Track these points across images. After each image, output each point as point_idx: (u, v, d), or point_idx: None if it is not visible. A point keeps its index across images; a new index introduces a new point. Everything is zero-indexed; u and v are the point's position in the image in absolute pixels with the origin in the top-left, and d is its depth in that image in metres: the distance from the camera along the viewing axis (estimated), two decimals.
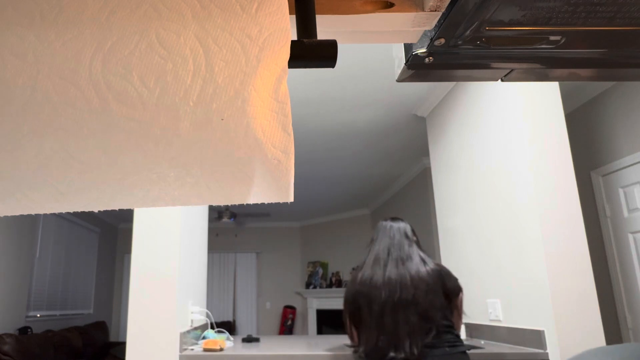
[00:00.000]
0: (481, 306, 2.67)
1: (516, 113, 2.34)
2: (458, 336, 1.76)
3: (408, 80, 0.61)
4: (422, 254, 1.82)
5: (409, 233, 1.87)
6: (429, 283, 1.72)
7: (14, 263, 4.55)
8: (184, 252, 2.48)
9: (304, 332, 7.93)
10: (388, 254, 1.83)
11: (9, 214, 0.41)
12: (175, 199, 0.42)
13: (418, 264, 1.77)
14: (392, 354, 1.70)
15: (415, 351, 1.66)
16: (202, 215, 3.08)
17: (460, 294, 1.80)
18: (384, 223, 1.94)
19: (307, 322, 7.84)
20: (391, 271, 1.77)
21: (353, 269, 1.91)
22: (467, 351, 1.79)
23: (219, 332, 2.71)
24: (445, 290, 1.74)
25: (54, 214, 5.46)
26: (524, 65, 0.57)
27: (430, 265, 1.78)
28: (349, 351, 2.19)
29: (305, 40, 0.45)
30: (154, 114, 0.38)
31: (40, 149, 0.38)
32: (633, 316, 3.04)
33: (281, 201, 0.41)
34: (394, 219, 1.94)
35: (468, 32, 0.50)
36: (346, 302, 1.85)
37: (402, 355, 1.68)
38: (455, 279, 1.80)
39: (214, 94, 0.38)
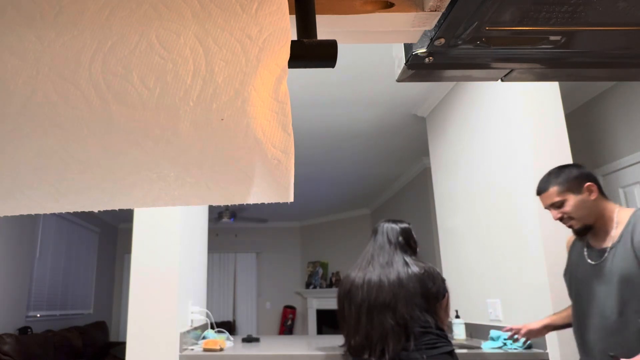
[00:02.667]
0: (481, 306, 2.67)
1: (516, 113, 2.34)
2: (441, 335, 1.75)
3: (408, 80, 0.61)
4: (406, 258, 1.82)
5: (393, 236, 1.87)
6: (409, 289, 1.73)
7: (14, 263, 4.55)
8: (184, 252, 2.48)
9: (304, 332, 7.93)
10: (371, 257, 1.87)
11: (9, 214, 0.41)
12: (175, 199, 0.42)
13: (399, 269, 1.78)
14: (365, 356, 1.74)
15: (387, 356, 1.68)
16: (202, 215, 3.08)
17: (446, 296, 1.81)
18: (378, 224, 1.96)
19: (307, 322, 7.84)
20: (372, 273, 1.81)
21: None
22: (457, 350, 1.79)
23: (219, 332, 2.71)
24: (427, 294, 1.75)
25: (54, 214, 5.46)
26: (524, 65, 0.57)
27: (414, 268, 1.78)
28: None
29: (305, 40, 0.45)
30: (154, 114, 0.38)
31: (40, 149, 0.38)
32: None
33: (281, 201, 0.41)
34: (391, 220, 1.95)
35: (468, 32, 0.50)
36: (337, 301, 1.93)
37: (374, 358, 1.71)
38: (442, 282, 1.80)
39: (214, 94, 0.38)
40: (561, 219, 1.53)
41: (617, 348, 1.41)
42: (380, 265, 1.81)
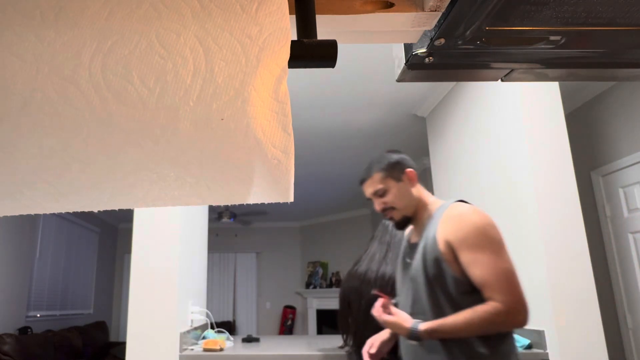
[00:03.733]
0: None
1: (516, 113, 2.34)
2: None
3: (408, 80, 0.61)
4: None
5: None
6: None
7: (14, 263, 4.55)
8: (184, 252, 2.48)
9: (304, 332, 7.93)
10: (386, 252, 1.82)
11: (9, 214, 0.41)
12: (175, 199, 0.42)
13: None
14: None
15: (399, 353, 1.66)
16: (202, 215, 3.08)
17: None
18: (389, 221, 1.94)
19: (307, 322, 7.84)
20: (386, 268, 1.76)
21: (354, 264, 1.92)
22: None
23: (219, 332, 2.71)
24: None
25: (54, 214, 5.46)
26: (524, 65, 0.57)
27: None
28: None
29: (305, 40, 0.45)
30: (154, 114, 0.38)
31: (40, 149, 0.38)
32: (633, 316, 3.04)
33: (281, 201, 0.41)
34: None
35: (468, 32, 0.50)
36: (340, 296, 1.85)
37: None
38: None
39: (214, 94, 0.38)
40: (384, 210, 1.40)
41: (411, 354, 1.34)
42: (395, 260, 1.77)
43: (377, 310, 1.32)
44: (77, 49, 0.38)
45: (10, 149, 0.38)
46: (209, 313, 2.92)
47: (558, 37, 0.52)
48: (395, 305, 1.39)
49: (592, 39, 0.52)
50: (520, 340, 2.15)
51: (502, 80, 0.60)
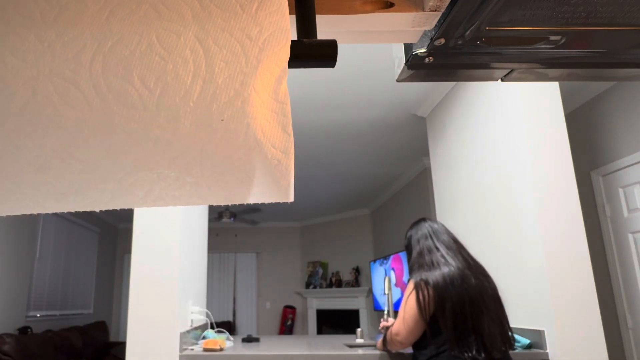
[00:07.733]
0: None
1: (516, 113, 2.34)
2: None
3: (408, 80, 0.61)
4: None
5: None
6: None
7: (14, 263, 4.55)
8: (184, 252, 2.48)
9: (304, 332, 7.93)
10: (449, 247, 1.81)
11: (10, 213, 0.41)
12: (176, 199, 0.42)
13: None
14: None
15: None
16: (202, 215, 3.08)
17: None
18: (435, 221, 1.92)
19: (307, 322, 7.84)
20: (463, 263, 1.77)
21: (421, 269, 1.76)
22: None
23: (219, 332, 2.71)
24: None
25: (54, 214, 5.46)
26: (524, 65, 0.57)
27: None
28: (348, 351, 2.18)
29: (305, 40, 0.45)
30: (154, 115, 0.38)
31: (41, 149, 0.38)
32: (633, 316, 3.04)
33: (281, 201, 0.41)
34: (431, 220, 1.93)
35: (468, 32, 0.50)
36: (449, 298, 1.64)
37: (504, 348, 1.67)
38: None
39: (214, 95, 0.38)
40: None
41: None
42: (468, 256, 1.78)
43: None
44: (78, 49, 0.38)
45: (12, 150, 0.38)
46: (209, 313, 2.92)
47: (558, 37, 0.52)
48: None
49: (592, 39, 0.53)
50: (520, 340, 2.16)
51: (502, 80, 0.61)
